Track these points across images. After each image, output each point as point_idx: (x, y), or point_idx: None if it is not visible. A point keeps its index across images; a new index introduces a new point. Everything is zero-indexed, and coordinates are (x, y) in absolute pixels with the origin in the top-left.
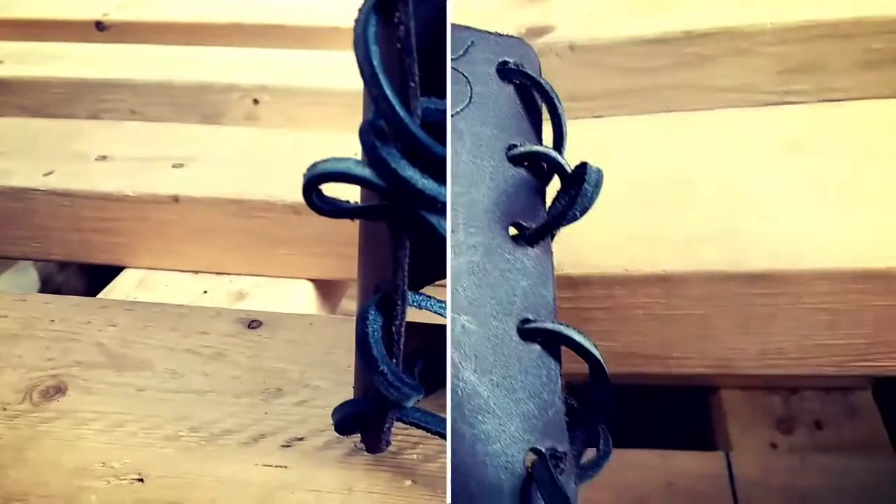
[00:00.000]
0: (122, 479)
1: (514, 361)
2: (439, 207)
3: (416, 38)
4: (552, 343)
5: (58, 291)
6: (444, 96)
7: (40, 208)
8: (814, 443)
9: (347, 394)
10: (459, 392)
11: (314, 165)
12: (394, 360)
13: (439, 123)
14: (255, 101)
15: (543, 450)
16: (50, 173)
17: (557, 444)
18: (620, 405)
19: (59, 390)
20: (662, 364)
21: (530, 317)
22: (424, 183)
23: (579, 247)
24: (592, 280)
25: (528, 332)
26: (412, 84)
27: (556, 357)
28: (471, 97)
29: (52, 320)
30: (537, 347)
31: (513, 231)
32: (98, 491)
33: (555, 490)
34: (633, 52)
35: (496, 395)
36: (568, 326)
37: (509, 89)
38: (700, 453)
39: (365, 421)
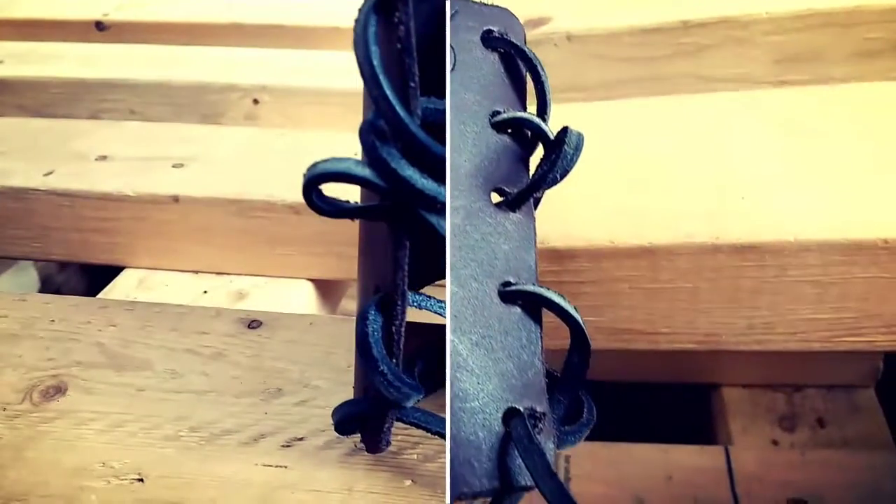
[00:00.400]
0: (122, 479)
1: (495, 322)
2: (439, 207)
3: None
4: (533, 306)
5: (58, 291)
6: (443, 96)
7: (40, 208)
8: (816, 441)
9: (347, 394)
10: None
11: (314, 165)
12: (394, 361)
13: (439, 123)
14: (255, 101)
15: (521, 409)
16: (50, 173)
17: (536, 404)
18: (622, 404)
19: (59, 390)
20: (650, 340)
21: (511, 280)
22: (424, 183)
23: (566, 220)
24: (578, 253)
25: (508, 295)
26: (412, 84)
27: (537, 320)
28: (454, 64)
29: (52, 320)
30: (518, 310)
31: (496, 198)
32: (98, 491)
33: (531, 447)
34: (630, 41)
35: (475, 354)
36: (549, 289)
37: (493, 57)
38: (700, 447)
39: (365, 421)
